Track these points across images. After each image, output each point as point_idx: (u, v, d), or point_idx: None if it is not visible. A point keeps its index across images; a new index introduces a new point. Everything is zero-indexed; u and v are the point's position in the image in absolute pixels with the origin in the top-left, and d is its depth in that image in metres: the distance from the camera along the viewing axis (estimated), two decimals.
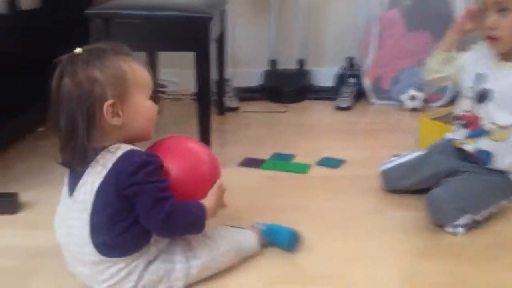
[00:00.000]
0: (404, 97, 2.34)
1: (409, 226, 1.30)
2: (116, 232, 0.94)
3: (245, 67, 2.73)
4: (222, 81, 2.28)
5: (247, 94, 2.61)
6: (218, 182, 1.07)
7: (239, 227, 1.17)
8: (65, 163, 0.98)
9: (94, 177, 0.94)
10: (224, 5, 2.07)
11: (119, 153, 0.94)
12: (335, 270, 1.12)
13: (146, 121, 1.01)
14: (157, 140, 1.08)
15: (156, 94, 2.32)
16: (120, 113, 0.95)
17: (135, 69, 0.99)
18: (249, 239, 1.14)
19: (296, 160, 1.76)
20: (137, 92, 0.98)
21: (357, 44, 2.55)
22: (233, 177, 1.60)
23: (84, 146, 0.92)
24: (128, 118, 0.97)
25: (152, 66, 2.26)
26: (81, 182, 0.95)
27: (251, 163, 1.74)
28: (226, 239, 1.09)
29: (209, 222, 1.05)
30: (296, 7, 2.60)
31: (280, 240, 1.18)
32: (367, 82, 2.48)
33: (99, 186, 0.93)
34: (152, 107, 1.02)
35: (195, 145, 1.12)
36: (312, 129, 2.16)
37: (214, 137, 1.98)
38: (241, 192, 1.50)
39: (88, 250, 0.95)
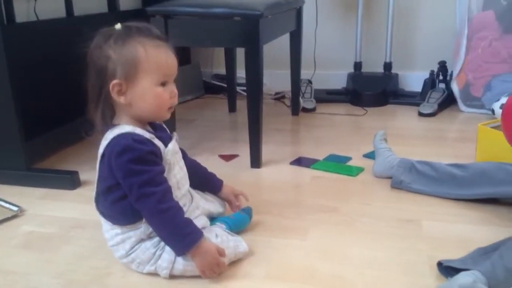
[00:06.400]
0: (496, 105, 2.09)
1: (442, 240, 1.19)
2: (107, 203, 1.03)
3: (330, 69, 2.70)
4: (297, 81, 2.27)
5: (329, 96, 2.59)
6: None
7: (232, 234, 1.13)
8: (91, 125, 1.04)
9: (100, 149, 1.02)
10: (299, 3, 2.07)
11: (116, 131, 0.99)
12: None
13: (153, 106, 1.01)
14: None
15: (234, 92, 2.42)
16: (127, 93, 0.98)
17: (151, 53, 0.97)
18: (240, 245, 1.10)
19: (351, 163, 1.71)
20: (147, 76, 0.98)
21: (452, 47, 2.38)
22: (276, 174, 1.62)
23: (96, 112, 1.00)
24: (134, 99, 0.99)
25: (231, 65, 2.35)
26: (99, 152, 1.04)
27: (302, 162, 1.73)
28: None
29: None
30: (386, 8, 2.49)
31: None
32: (456, 88, 2.29)
33: (100, 157, 1.01)
34: (162, 94, 1.00)
35: None
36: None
37: (276, 136, 2.02)
38: (276, 188, 1.51)
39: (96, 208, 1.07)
